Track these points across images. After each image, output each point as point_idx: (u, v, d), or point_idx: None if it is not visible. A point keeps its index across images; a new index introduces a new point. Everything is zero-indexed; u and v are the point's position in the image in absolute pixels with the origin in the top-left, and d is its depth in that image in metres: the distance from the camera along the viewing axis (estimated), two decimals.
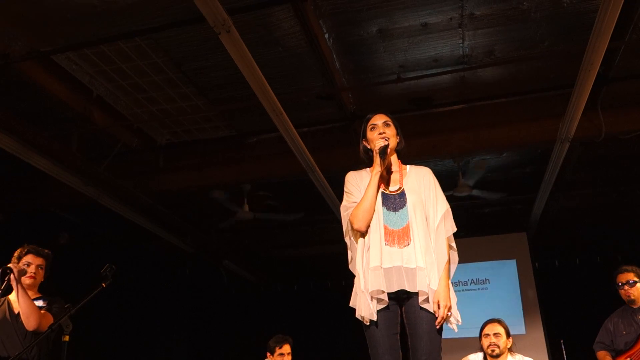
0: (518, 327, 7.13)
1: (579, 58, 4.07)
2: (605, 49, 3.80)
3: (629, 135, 5.20)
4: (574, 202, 7.37)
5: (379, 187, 2.73)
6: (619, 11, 3.45)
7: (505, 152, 6.12)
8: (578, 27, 4.30)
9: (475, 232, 7.83)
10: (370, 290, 2.55)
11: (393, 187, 2.76)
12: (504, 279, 7.76)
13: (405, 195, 2.71)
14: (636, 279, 4.30)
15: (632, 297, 4.30)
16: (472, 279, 7.90)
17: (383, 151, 2.71)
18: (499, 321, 4.38)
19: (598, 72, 4.11)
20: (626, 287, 4.31)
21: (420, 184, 2.78)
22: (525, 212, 7.46)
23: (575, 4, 4.08)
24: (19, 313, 3.27)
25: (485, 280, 7.86)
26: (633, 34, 4.30)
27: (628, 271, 4.37)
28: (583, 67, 4.05)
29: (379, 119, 2.85)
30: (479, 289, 7.83)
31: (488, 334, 4.33)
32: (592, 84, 4.23)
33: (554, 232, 8.02)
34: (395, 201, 2.70)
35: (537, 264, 8.03)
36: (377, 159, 2.71)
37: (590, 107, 4.91)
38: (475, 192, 6.56)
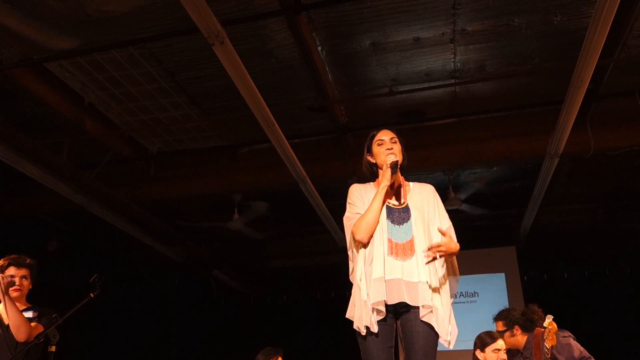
0: None
1: (568, 75, 4.12)
2: (594, 66, 3.86)
3: (618, 151, 5.25)
4: (563, 216, 7.43)
5: (384, 201, 2.74)
6: (608, 30, 3.50)
7: (495, 166, 6.16)
8: (568, 45, 4.36)
9: (464, 246, 7.78)
10: (372, 301, 2.54)
11: (397, 202, 2.78)
12: (492, 293, 7.77)
13: (409, 210, 2.73)
14: (503, 328, 4.15)
15: (506, 347, 4.15)
16: (461, 292, 7.91)
17: (395, 166, 2.71)
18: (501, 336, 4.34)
19: (587, 88, 4.16)
20: None
21: (423, 200, 2.80)
22: (515, 226, 7.49)
23: (565, 22, 4.14)
24: (9, 324, 3.24)
25: (474, 293, 7.88)
26: (622, 52, 4.36)
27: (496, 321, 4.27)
28: (573, 83, 4.10)
29: (386, 135, 2.86)
30: (468, 302, 7.84)
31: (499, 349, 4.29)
32: (581, 101, 4.27)
33: (543, 246, 8.06)
34: (399, 215, 2.71)
35: (525, 278, 8.06)
36: (387, 173, 2.71)
37: (580, 123, 4.97)
38: (464, 207, 6.59)
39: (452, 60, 4.60)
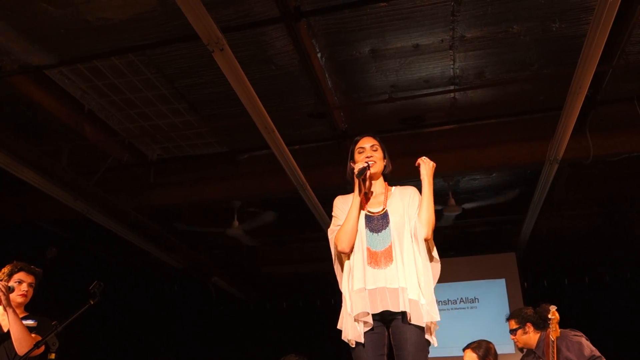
0: (507, 347, 7.12)
1: (567, 81, 4.13)
2: (593, 72, 3.86)
3: (617, 157, 5.26)
4: (563, 222, 7.42)
5: (361, 209, 2.75)
6: (607, 36, 3.51)
7: (495, 173, 6.16)
8: (567, 51, 4.36)
9: (465, 252, 7.85)
10: (355, 313, 2.54)
11: (377, 209, 2.77)
12: (493, 298, 7.77)
13: (388, 216, 2.72)
14: (516, 326, 4.14)
15: (520, 346, 4.18)
16: (462, 298, 7.90)
17: (360, 173, 2.72)
18: (472, 348, 4.32)
19: (586, 95, 4.17)
20: (511, 337, 4.21)
21: (404, 202, 2.78)
22: (515, 232, 7.48)
23: (564, 29, 4.15)
24: (8, 331, 3.21)
25: (475, 299, 7.87)
26: (620, 58, 4.37)
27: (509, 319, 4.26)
28: (571, 90, 4.10)
29: (366, 142, 2.88)
30: (468, 307, 7.83)
31: None
32: (580, 107, 4.28)
33: (543, 252, 8.05)
34: (377, 222, 2.71)
35: (526, 284, 8.05)
36: (355, 181, 2.74)
37: (579, 129, 4.98)
38: (464, 213, 6.58)
39: (452, 66, 4.61)
